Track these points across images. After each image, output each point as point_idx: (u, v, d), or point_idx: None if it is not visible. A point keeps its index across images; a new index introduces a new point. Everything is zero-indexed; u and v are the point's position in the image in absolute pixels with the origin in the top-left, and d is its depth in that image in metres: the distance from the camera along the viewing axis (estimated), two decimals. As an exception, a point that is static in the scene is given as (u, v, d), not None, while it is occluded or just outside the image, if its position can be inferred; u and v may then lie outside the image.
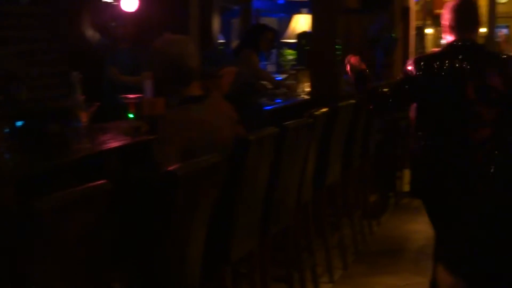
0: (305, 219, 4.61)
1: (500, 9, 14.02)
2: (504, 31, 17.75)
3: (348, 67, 4.15)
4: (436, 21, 16.82)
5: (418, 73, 3.89)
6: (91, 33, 6.24)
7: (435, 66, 3.87)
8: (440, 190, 3.95)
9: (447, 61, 3.86)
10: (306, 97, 6.61)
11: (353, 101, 5.30)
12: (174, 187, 2.50)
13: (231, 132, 3.40)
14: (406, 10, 9.79)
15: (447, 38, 3.98)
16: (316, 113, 4.29)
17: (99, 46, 6.24)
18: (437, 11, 16.52)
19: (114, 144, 3.58)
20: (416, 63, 3.92)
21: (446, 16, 3.99)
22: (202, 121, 3.31)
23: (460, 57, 3.86)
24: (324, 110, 4.48)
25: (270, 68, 9.45)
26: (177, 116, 3.38)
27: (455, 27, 3.91)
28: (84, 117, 3.78)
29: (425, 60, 3.96)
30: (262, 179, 3.48)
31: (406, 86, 3.94)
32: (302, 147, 4.08)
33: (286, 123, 3.75)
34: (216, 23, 7.07)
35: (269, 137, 3.45)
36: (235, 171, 3.21)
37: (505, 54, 4.27)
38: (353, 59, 4.14)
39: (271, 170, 3.60)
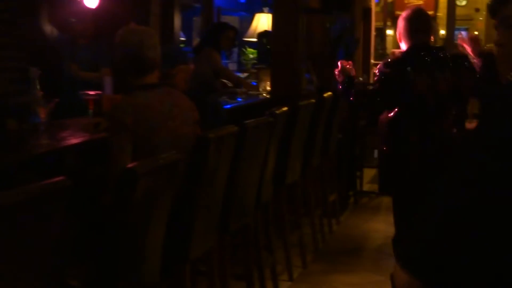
0: (265, 217, 4.62)
1: (459, 12, 14.19)
2: (464, 33, 17.97)
3: (338, 72, 4.34)
4: (395, 23, 16.99)
5: (393, 74, 4.20)
6: (49, 28, 6.18)
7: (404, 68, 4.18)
8: (411, 186, 4.14)
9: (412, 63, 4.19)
10: (267, 96, 6.62)
11: (313, 100, 5.32)
12: (133, 184, 2.48)
13: (188, 128, 3.40)
14: (367, 11, 9.87)
15: (402, 45, 4.33)
16: (277, 111, 4.30)
17: (57, 41, 6.18)
18: (398, 12, 16.68)
19: (73, 140, 3.55)
20: (388, 66, 4.24)
21: (399, 25, 4.35)
22: (145, 105, 3.30)
23: (423, 57, 4.21)
24: (284, 109, 4.48)
25: (232, 66, 9.44)
26: (122, 102, 3.38)
27: (407, 34, 4.27)
28: (42, 113, 3.74)
29: (396, 63, 4.27)
30: (221, 178, 3.48)
31: (389, 87, 4.22)
32: (262, 146, 4.09)
33: (246, 121, 3.75)
34: (177, 21, 7.04)
35: (229, 136, 3.45)
36: (195, 169, 3.20)
37: (457, 53, 4.52)
38: (345, 64, 4.37)
39: (231, 168, 3.60)
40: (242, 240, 4.26)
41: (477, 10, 17.91)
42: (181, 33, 8.04)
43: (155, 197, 2.67)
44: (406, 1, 16.26)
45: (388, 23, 16.39)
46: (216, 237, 3.59)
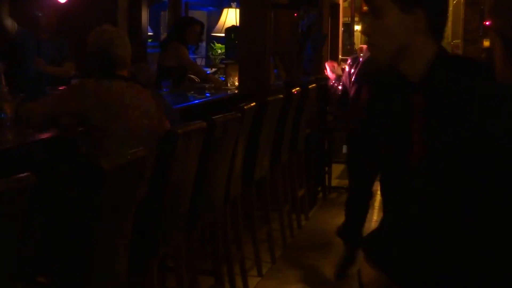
0: (234, 213, 4.61)
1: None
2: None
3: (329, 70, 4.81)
4: (364, 18, 17.04)
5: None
6: (10, 22, 6.10)
7: None
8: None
9: None
10: (236, 91, 6.61)
11: (281, 95, 5.32)
12: (100, 180, 2.46)
13: (148, 121, 3.41)
14: (334, 7, 9.89)
15: None
16: (245, 107, 4.29)
17: (20, 36, 6.10)
18: (366, 8, 16.75)
19: (39, 136, 3.52)
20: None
21: None
22: (107, 89, 3.36)
23: None
24: (252, 104, 4.48)
25: (200, 61, 9.41)
26: (86, 84, 3.43)
27: None
28: (8, 109, 3.69)
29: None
30: (190, 173, 3.47)
31: None
32: (231, 141, 4.08)
33: (214, 117, 3.73)
34: (144, 15, 7.01)
35: (197, 131, 3.43)
36: (163, 165, 3.18)
37: None
38: (331, 65, 4.89)
39: (199, 164, 3.59)
40: (210, 236, 4.25)
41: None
42: (149, 28, 8.00)
43: (122, 193, 2.65)
44: (373, -3, 16.32)
45: (356, 19, 16.45)
46: (184, 233, 3.57)
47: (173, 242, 3.43)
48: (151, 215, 3.20)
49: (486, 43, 9.48)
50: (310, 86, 6.38)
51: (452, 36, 16.21)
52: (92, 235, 2.56)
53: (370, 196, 5.38)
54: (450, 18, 17.49)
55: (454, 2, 16.35)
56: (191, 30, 6.78)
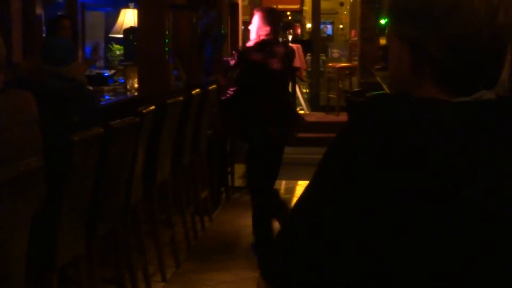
0: (135, 218, 4.53)
1: (324, 6, 14.48)
2: (329, 27, 18.35)
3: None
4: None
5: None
6: None
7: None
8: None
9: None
10: (135, 93, 6.51)
11: (181, 98, 5.27)
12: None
13: (22, 133, 3.09)
14: (234, 6, 9.89)
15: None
16: (143, 111, 4.22)
17: None
18: (266, 5, 16.83)
19: None
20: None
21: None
22: None
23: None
24: (151, 108, 4.41)
25: (98, 63, 9.22)
26: None
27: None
28: None
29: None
30: (87, 181, 3.38)
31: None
32: (130, 147, 4.00)
33: (112, 123, 3.66)
34: (40, 16, 6.81)
35: (94, 138, 3.35)
36: (58, 175, 3.09)
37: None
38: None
39: (97, 171, 3.50)
40: (112, 243, 4.16)
41: (342, 4, 18.31)
42: (44, 29, 7.78)
43: (15, 207, 2.54)
44: (273, -5, 16.45)
45: (256, 17, 16.51)
46: (84, 242, 3.48)
47: (72, 252, 3.34)
48: (48, 226, 3.10)
49: (383, 41, 9.67)
50: (210, 87, 6.34)
51: (349, 34, 16.50)
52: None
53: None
54: (347, 16, 17.83)
55: (351, 0, 16.66)
56: (61, 27, 6.64)
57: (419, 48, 1.27)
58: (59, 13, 8.14)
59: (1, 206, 2.44)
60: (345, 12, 18.24)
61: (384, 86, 6.75)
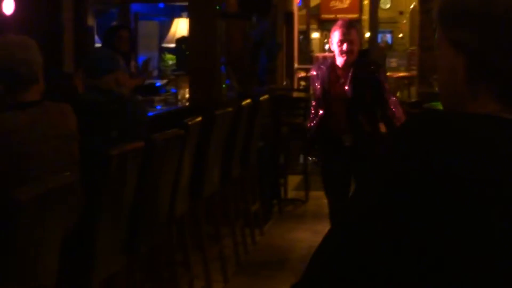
0: (181, 232, 4.41)
1: (383, 15, 14.26)
2: (388, 36, 18.10)
3: None
4: (322, 26, 16.99)
5: None
6: None
7: None
8: None
9: None
10: (186, 103, 6.42)
11: (230, 109, 5.14)
12: (17, 214, 2.23)
13: (57, 146, 3.01)
14: (289, 15, 9.76)
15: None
16: (189, 123, 4.10)
17: None
18: (324, 15, 16.69)
19: None
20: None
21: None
22: (11, 130, 2.90)
23: None
24: (198, 119, 4.29)
25: (153, 73, 9.20)
26: None
27: None
28: None
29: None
30: (127, 195, 3.26)
31: None
32: (174, 159, 3.88)
33: (154, 135, 3.54)
34: (91, 25, 6.80)
35: (134, 152, 3.22)
36: (95, 189, 2.97)
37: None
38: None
39: (138, 185, 3.38)
40: (156, 259, 4.05)
41: (401, 13, 18.05)
42: (98, 40, 7.78)
43: (43, 224, 2.43)
44: (331, 5, 16.29)
45: (314, 26, 16.38)
46: (123, 259, 3.36)
47: (110, 269, 3.22)
48: (84, 242, 2.99)
49: (442, 51, 9.38)
50: (262, 98, 6.20)
51: (409, 43, 16.23)
52: (10, 272, 2.34)
53: None
54: (407, 25, 17.56)
55: (411, 9, 16.38)
56: (118, 37, 6.60)
57: (477, 56, 1.10)
58: (114, 23, 8.15)
59: (28, 223, 2.33)
60: (404, 21, 17.97)
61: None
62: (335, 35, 4.81)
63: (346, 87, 4.82)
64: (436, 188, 0.99)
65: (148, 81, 7.46)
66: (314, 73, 5.02)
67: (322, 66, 5.02)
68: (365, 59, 5.10)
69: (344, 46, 4.77)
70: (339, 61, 4.84)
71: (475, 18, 1.11)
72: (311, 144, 5.20)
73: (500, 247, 0.98)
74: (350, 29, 4.81)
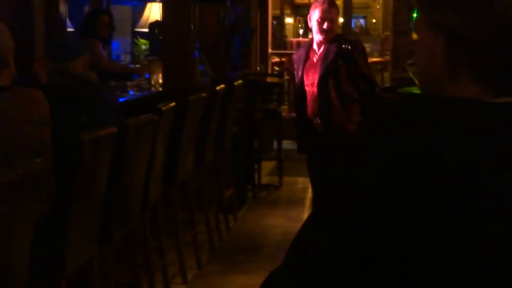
0: (154, 218, 4.37)
1: (356, 0, 14.25)
2: (361, 21, 18.11)
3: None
4: (295, 11, 16.94)
5: None
6: None
7: None
8: None
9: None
10: (160, 88, 6.36)
11: (204, 94, 5.10)
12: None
13: (28, 132, 2.94)
14: (263, 0, 9.72)
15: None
16: (163, 108, 4.06)
17: None
18: (298, 1, 16.64)
19: None
20: None
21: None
22: None
23: None
24: (171, 104, 4.25)
25: (125, 58, 9.11)
26: None
27: None
28: None
29: None
30: (100, 182, 3.21)
31: None
32: (147, 145, 3.84)
33: (127, 120, 3.49)
34: (63, 10, 6.69)
35: (107, 137, 3.18)
36: (67, 177, 2.92)
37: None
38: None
39: (111, 171, 3.34)
40: (130, 244, 4.01)
41: (375, -3, 18.05)
42: (70, 24, 7.67)
43: (14, 210, 2.38)
44: (304, -10, 16.24)
45: (287, 11, 16.33)
46: (96, 246, 3.32)
47: (84, 257, 3.18)
48: (58, 231, 2.95)
49: (415, 36, 9.41)
50: (236, 83, 6.16)
51: (382, 29, 16.23)
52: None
53: None
54: (380, 10, 17.56)
55: (384, -6, 16.37)
56: (99, 22, 6.51)
57: (458, 40, 1.08)
58: (86, 7, 8.04)
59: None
60: (378, 6, 17.98)
61: (417, 82, 6.50)
62: (316, 13, 4.75)
63: (317, 61, 4.79)
64: (420, 171, 0.98)
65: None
66: (294, 56, 5.02)
67: (301, 48, 5.02)
68: (342, 37, 5.03)
69: (325, 25, 4.72)
70: (317, 38, 4.79)
71: (457, 1, 1.09)
72: (298, 130, 5.15)
73: (486, 226, 0.97)
74: (331, 7, 4.77)
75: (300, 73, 4.89)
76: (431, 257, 0.97)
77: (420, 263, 0.97)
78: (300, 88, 4.93)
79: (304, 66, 4.86)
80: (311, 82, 4.85)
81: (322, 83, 4.76)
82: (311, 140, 4.99)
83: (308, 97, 4.89)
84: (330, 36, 4.75)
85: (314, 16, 4.75)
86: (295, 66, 4.95)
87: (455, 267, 0.97)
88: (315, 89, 4.81)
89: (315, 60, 4.84)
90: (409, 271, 0.98)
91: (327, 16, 4.71)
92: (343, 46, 4.76)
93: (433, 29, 1.12)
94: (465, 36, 1.08)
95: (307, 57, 4.87)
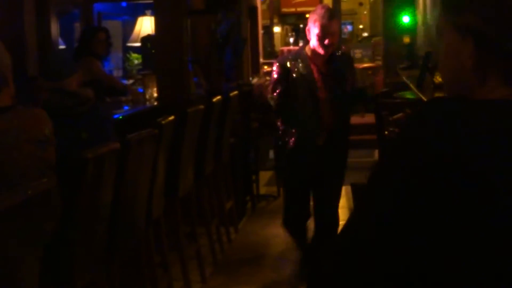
0: (158, 233, 4.34)
1: (343, 6, 14.28)
2: (349, 27, 18.15)
3: None
4: (282, 20, 16.98)
5: None
6: None
7: None
8: None
9: None
10: (155, 103, 6.33)
11: (201, 106, 5.08)
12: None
13: (31, 152, 2.86)
14: (252, 10, 9.71)
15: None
16: (163, 122, 4.03)
17: None
18: (284, 9, 16.67)
19: None
20: None
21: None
22: None
23: None
24: (171, 118, 4.22)
25: (116, 73, 9.08)
26: None
27: None
28: None
29: None
30: (104, 199, 3.18)
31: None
32: (149, 159, 3.81)
33: (129, 136, 3.46)
34: (54, 28, 6.67)
35: (110, 154, 3.15)
36: (71, 194, 2.89)
37: None
38: None
39: (115, 187, 3.31)
40: (135, 261, 3.97)
41: (361, 4, 18.11)
42: (62, 41, 7.65)
43: (23, 232, 2.35)
44: (292, -1, 16.26)
45: (275, 20, 16.36)
46: (102, 263, 3.29)
47: (89, 275, 3.14)
48: (63, 250, 2.91)
49: (406, 40, 9.44)
50: (231, 94, 6.14)
51: (370, 34, 16.26)
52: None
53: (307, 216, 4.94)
54: (367, 16, 17.62)
55: (371, 0, 16.43)
56: (96, 40, 6.48)
57: (485, 40, 1.06)
58: (76, 23, 8.03)
59: (9, 232, 2.25)
60: (364, 12, 18.04)
61: (411, 86, 6.52)
62: (316, 27, 4.46)
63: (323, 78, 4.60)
64: (477, 177, 0.97)
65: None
66: (288, 64, 4.60)
67: (292, 60, 4.62)
68: (337, 51, 4.86)
69: (326, 41, 4.46)
70: (318, 51, 4.52)
71: (484, 2, 1.08)
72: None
73: None
74: (331, 21, 4.47)
75: (304, 88, 4.64)
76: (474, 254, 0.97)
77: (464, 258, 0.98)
78: (303, 103, 4.62)
79: (314, 84, 4.59)
80: (324, 97, 4.61)
81: (334, 100, 4.61)
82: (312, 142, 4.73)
83: (323, 111, 4.62)
84: (331, 50, 4.53)
85: (314, 30, 4.47)
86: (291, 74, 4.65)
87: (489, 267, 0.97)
88: (327, 105, 4.60)
89: (321, 76, 4.61)
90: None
91: (328, 31, 4.43)
92: (341, 61, 4.66)
93: (460, 32, 1.10)
94: (491, 35, 1.07)
95: (310, 72, 4.59)
